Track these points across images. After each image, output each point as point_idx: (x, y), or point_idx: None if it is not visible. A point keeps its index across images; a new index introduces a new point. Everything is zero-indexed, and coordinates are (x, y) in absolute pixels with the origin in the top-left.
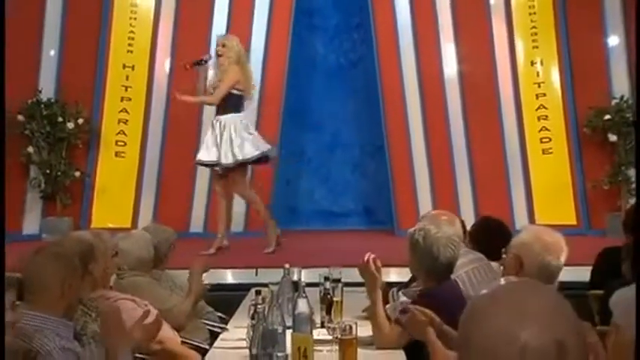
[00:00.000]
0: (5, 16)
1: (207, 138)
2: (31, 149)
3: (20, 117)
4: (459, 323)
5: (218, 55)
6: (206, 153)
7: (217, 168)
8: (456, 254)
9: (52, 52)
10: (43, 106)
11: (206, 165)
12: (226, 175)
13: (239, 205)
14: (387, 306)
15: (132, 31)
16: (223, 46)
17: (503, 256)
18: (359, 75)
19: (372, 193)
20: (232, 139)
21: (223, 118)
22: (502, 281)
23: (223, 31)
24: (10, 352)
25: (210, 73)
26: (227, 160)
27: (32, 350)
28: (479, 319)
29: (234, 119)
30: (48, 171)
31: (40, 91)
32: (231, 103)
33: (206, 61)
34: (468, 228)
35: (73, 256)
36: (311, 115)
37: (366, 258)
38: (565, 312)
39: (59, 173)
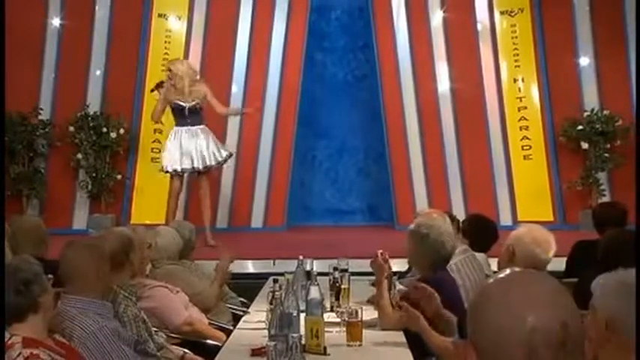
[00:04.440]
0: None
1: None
2: (79, 155)
3: (71, 128)
4: (469, 308)
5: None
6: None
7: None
8: (455, 246)
9: (98, 72)
10: (90, 118)
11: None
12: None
13: (257, 203)
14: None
15: (166, 54)
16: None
17: (503, 249)
18: (364, 90)
19: (375, 193)
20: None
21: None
22: (507, 271)
23: (245, 53)
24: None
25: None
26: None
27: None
28: (490, 304)
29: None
30: (94, 174)
31: (88, 106)
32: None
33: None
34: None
35: (101, 247)
36: (322, 124)
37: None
38: (566, 297)
39: (103, 176)
